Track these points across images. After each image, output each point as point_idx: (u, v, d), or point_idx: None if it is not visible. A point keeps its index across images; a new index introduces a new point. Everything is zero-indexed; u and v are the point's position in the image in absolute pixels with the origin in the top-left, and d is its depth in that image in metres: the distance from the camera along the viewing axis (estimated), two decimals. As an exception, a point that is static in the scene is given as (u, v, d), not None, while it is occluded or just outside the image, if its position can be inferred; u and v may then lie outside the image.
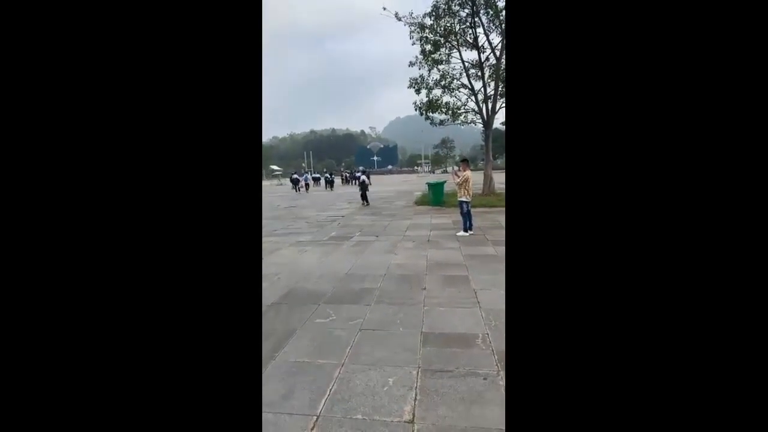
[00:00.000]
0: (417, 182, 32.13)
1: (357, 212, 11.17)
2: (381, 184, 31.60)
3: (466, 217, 6.73)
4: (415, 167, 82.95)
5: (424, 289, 3.81)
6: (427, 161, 79.72)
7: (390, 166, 76.93)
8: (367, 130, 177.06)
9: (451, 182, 7.66)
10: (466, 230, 6.75)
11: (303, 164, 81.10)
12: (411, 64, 13.98)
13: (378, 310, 3.30)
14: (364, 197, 13.55)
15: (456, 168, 6.89)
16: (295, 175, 27.24)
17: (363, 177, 15.02)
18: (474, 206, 7.10)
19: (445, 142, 79.23)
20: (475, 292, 3.62)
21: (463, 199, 6.76)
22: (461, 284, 3.87)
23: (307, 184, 25.19)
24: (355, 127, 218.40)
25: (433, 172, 67.08)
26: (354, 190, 21.16)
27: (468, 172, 6.86)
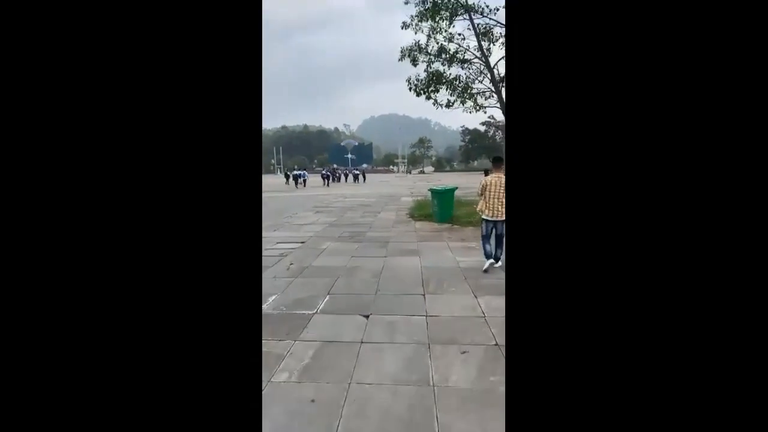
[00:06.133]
0: (397, 183, 28.48)
1: (325, 233, 7.26)
2: (358, 186, 27.74)
3: (486, 240, 4.39)
4: (391, 166, 79.29)
5: None
6: (403, 160, 76.13)
7: (365, 165, 72.59)
8: (341, 128, 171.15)
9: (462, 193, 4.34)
10: (497, 259, 4.40)
11: (272, 161, 75.67)
12: (404, 25, 10.28)
13: None
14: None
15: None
16: (296, 171, 29.71)
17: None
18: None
19: (422, 142, 76.27)
20: None
21: (484, 216, 4.40)
22: None
23: (304, 180, 26.82)
24: (328, 125, 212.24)
25: (410, 173, 63.89)
26: (337, 191, 17.35)
27: (490, 178, 4.36)
